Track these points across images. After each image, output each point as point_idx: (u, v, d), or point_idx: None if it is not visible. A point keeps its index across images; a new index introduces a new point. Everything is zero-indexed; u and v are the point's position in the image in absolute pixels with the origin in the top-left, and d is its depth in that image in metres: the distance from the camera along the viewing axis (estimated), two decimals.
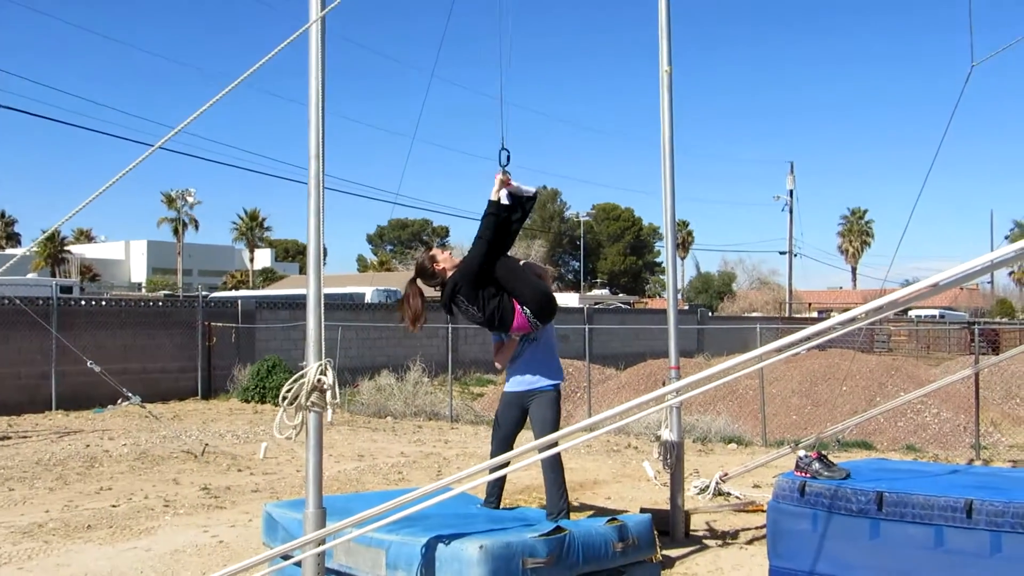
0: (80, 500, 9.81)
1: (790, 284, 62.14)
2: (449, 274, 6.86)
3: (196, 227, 75.79)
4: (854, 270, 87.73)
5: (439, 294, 7.03)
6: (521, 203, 6.85)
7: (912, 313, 54.22)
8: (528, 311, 6.69)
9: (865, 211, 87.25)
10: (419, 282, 7.00)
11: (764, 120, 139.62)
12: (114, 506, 9.50)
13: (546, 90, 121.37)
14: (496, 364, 7.30)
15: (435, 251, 7.18)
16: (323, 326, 4.95)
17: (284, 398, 4.93)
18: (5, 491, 10.25)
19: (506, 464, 6.01)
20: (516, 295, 6.72)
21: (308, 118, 4.97)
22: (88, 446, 13.71)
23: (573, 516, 7.17)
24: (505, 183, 6.66)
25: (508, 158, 6.72)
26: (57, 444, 13.97)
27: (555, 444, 6.17)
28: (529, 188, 6.85)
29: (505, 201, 6.67)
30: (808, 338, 4.25)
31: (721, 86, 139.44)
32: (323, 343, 4.95)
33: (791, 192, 59.29)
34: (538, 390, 6.96)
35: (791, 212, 59.37)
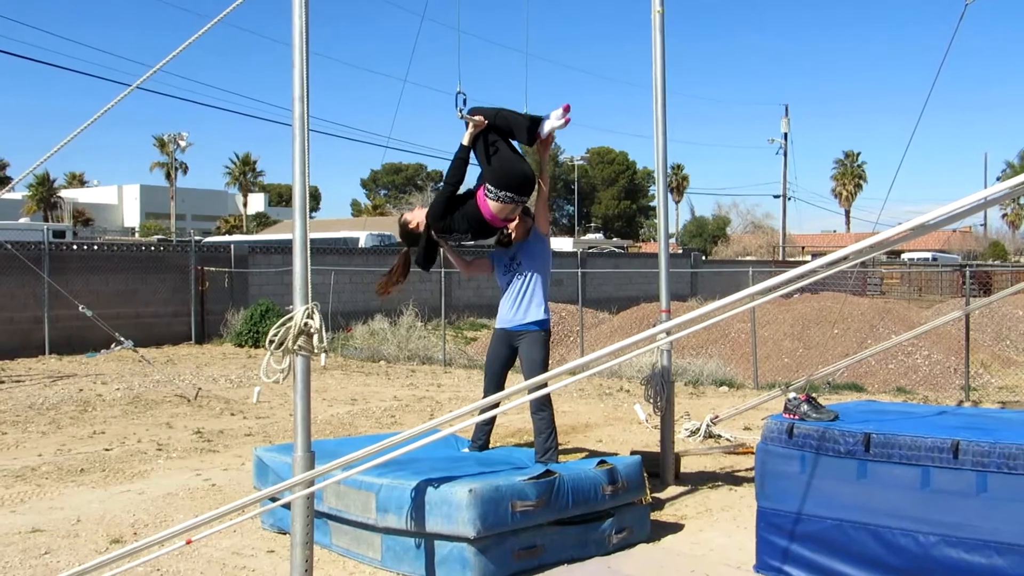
0: (73, 444, 9.84)
1: (784, 227, 62.12)
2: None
3: (185, 171, 75.31)
4: (848, 213, 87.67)
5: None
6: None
7: (904, 256, 54.30)
8: (491, 189, 6.55)
9: (859, 154, 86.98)
10: (411, 251, 7.04)
11: (759, 62, 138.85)
12: (107, 450, 9.53)
13: (539, 32, 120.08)
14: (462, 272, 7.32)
15: (404, 216, 7.15)
16: (310, 269, 4.91)
17: (271, 342, 4.91)
18: None
19: (495, 406, 6.00)
20: (480, 181, 6.68)
21: (292, 59, 4.88)
22: (81, 390, 13.73)
23: (563, 458, 7.21)
24: (478, 126, 6.58)
25: (465, 102, 6.61)
26: (50, 388, 13.99)
27: (544, 385, 6.17)
28: (555, 121, 6.76)
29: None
30: (797, 278, 4.22)
31: (715, 27, 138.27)
32: (310, 286, 4.91)
33: (785, 135, 58.87)
34: (525, 328, 6.96)
35: (785, 155, 59.02)
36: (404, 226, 7.08)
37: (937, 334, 15.60)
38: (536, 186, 6.80)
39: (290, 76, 4.93)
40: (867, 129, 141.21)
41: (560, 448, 7.39)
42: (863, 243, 4.11)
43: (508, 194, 6.55)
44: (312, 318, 4.86)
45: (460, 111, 6.61)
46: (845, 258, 4.30)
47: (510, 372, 7.30)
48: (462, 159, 6.63)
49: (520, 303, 6.99)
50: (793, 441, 5.40)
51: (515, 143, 6.81)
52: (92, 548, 6.29)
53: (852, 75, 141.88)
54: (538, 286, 7.00)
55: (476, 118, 6.61)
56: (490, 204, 6.59)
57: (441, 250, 7.18)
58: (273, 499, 5.69)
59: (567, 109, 6.67)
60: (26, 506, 7.37)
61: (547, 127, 6.69)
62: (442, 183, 6.80)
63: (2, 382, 14.74)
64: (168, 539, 4.69)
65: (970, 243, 69.71)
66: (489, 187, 6.57)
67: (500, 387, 7.16)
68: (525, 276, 6.99)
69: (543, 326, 6.99)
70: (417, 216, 6.97)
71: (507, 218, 6.76)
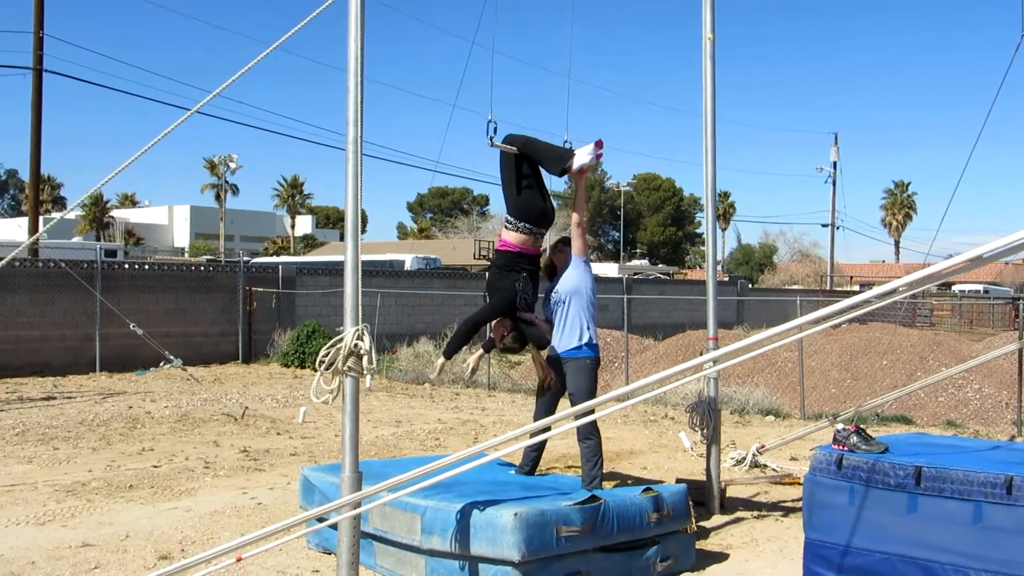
0: (122, 460, 9.97)
1: (832, 257, 61.55)
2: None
3: (236, 192, 76.19)
4: (897, 243, 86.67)
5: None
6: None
7: (955, 288, 53.55)
8: (511, 220, 6.81)
9: (908, 184, 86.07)
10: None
11: (808, 90, 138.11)
12: (155, 467, 9.65)
13: (588, 57, 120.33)
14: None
15: (502, 344, 7.12)
16: (360, 292, 4.96)
17: (321, 362, 4.96)
18: (50, 450, 10.44)
19: (545, 430, 6.01)
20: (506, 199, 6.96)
21: (347, 83, 4.96)
22: (131, 407, 13.92)
23: (608, 485, 7.19)
24: (509, 154, 6.79)
25: (496, 130, 6.73)
26: (101, 405, 14.19)
27: (591, 412, 6.16)
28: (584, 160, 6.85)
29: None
30: (847, 310, 4.19)
31: (764, 55, 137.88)
32: (360, 308, 4.96)
33: (834, 164, 58.50)
34: (569, 356, 6.95)
35: (834, 184, 58.65)
36: (507, 345, 7.06)
37: (988, 368, 15.34)
38: (553, 221, 7.01)
39: (344, 100, 5.01)
40: (917, 159, 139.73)
41: (605, 475, 7.37)
42: (918, 274, 4.08)
43: (527, 225, 6.79)
44: (362, 339, 4.91)
45: (491, 139, 6.73)
46: (898, 289, 4.27)
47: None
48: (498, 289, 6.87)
49: (563, 330, 6.96)
50: (842, 472, 5.35)
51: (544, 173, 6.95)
52: (140, 564, 6.36)
53: (903, 104, 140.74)
54: (578, 312, 6.92)
55: (509, 147, 6.73)
56: (508, 235, 6.79)
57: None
58: (321, 519, 5.73)
59: (599, 145, 6.71)
60: (76, 520, 7.47)
61: (576, 162, 6.74)
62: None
63: (54, 398, 14.98)
64: (216, 557, 4.74)
65: (1023, 275, 68.59)
66: (509, 218, 6.82)
67: (550, 412, 7.14)
68: (565, 303, 6.96)
69: (587, 353, 6.90)
70: (500, 330, 7.02)
71: (531, 248, 6.85)
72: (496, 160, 6.95)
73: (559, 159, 6.78)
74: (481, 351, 7.52)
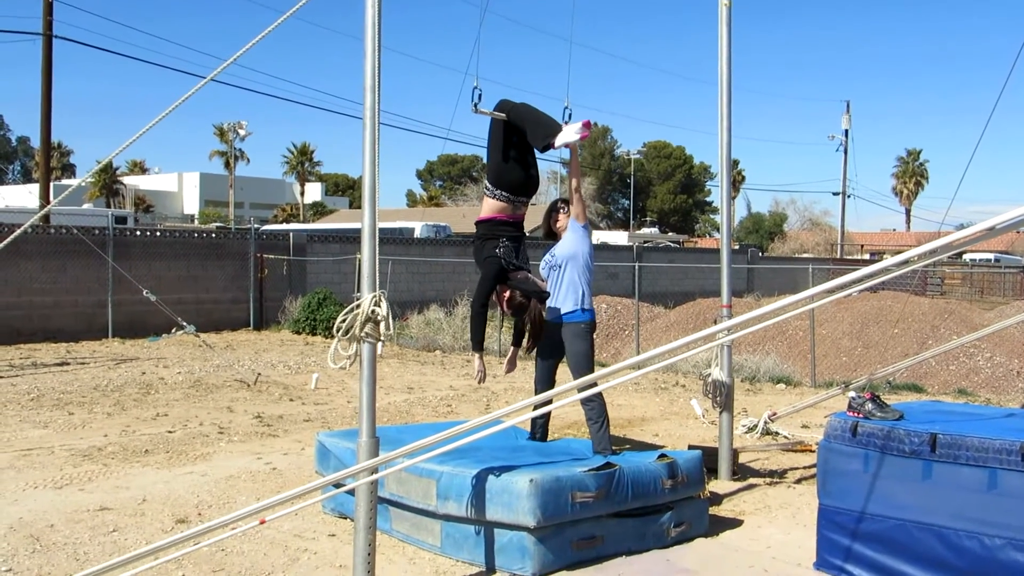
0: (137, 425, 10.04)
1: (843, 225, 61.31)
2: None
3: (246, 160, 76.12)
4: (908, 212, 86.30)
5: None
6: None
7: (966, 257, 53.35)
8: (488, 187, 6.77)
9: (920, 152, 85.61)
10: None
11: (820, 58, 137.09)
12: (170, 432, 9.71)
13: (599, 25, 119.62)
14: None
15: (510, 299, 6.84)
16: (377, 258, 4.96)
17: (339, 328, 4.97)
18: (65, 415, 10.51)
19: (549, 401, 6.04)
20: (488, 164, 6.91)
21: (364, 49, 4.92)
22: (144, 373, 13.99)
23: (616, 450, 7.22)
24: (499, 120, 6.70)
25: (480, 96, 6.57)
26: (114, 371, 14.27)
27: (594, 382, 6.17)
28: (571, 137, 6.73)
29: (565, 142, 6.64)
30: (861, 279, 4.18)
31: (776, 22, 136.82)
32: (377, 275, 4.97)
33: (846, 132, 58.23)
34: (568, 320, 7.00)
35: (845, 152, 58.41)
36: (515, 304, 6.82)
37: (1000, 336, 15.33)
38: (536, 189, 6.89)
39: (354, 65, 4.98)
40: (930, 127, 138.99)
41: (617, 441, 7.40)
42: (935, 243, 4.06)
43: (503, 193, 6.71)
44: (379, 305, 4.91)
45: (475, 105, 6.57)
46: (913, 259, 4.25)
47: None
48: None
49: (558, 295, 7.02)
50: (857, 439, 5.37)
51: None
52: (158, 527, 6.43)
53: (916, 71, 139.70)
54: (573, 277, 6.98)
55: (496, 113, 6.65)
56: (487, 204, 6.75)
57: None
58: (337, 484, 5.77)
59: (586, 126, 6.53)
60: (93, 484, 7.53)
61: (559, 140, 6.57)
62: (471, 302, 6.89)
63: (68, 364, 15.06)
64: (235, 521, 4.78)
65: None
66: (488, 185, 6.77)
67: (551, 378, 7.20)
68: (561, 267, 7.00)
69: (582, 317, 6.97)
70: (501, 297, 6.85)
71: (511, 215, 6.76)
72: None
73: (544, 134, 6.60)
74: (512, 348, 7.22)
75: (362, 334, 4.92)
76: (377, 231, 4.96)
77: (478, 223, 6.84)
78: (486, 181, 6.85)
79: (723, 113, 8.15)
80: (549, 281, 7.07)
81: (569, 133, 6.56)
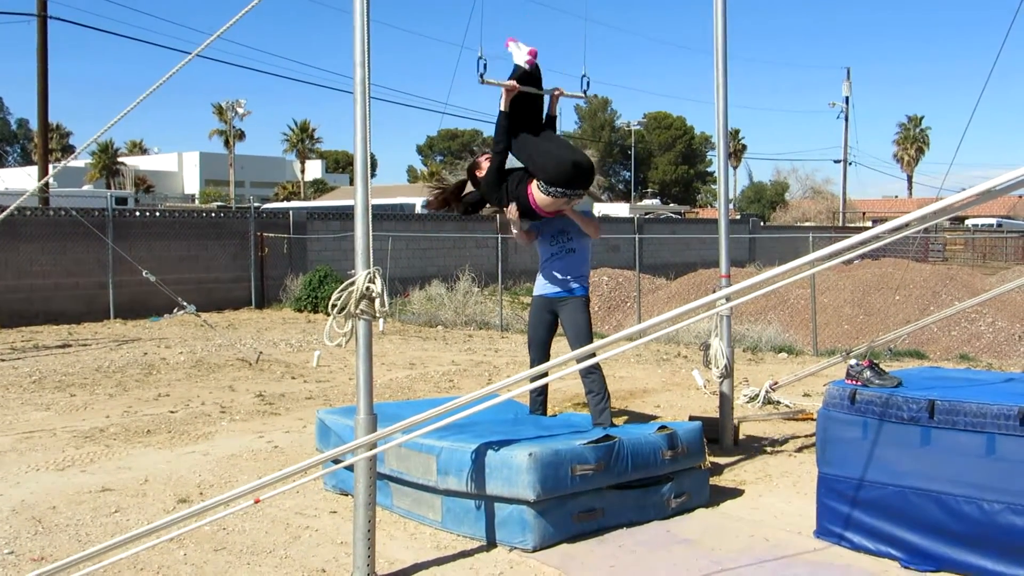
0: (139, 406, 10.05)
1: (844, 193, 61.16)
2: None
3: (243, 138, 75.92)
4: (910, 178, 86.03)
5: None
6: (528, 78, 6.72)
7: (968, 222, 53.26)
8: (541, 183, 6.56)
9: (922, 118, 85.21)
10: (468, 185, 7.10)
11: (820, 24, 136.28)
12: (172, 412, 9.73)
13: None
14: (516, 236, 7.20)
15: (478, 159, 7.11)
16: (371, 235, 4.94)
17: (334, 306, 4.96)
18: (67, 397, 10.53)
19: (546, 374, 6.05)
20: (529, 169, 6.67)
21: (353, 24, 4.89)
22: (146, 354, 14.01)
23: (619, 422, 7.24)
24: (510, 90, 6.56)
25: (486, 66, 6.45)
26: (116, 352, 14.28)
27: (593, 353, 6.19)
28: (520, 59, 6.69)
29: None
30: (858, 245, 4.16)
31: None
32: (371, 252, 4.95)
33: (847, 99, 57.94)
34: (569, 295, 7.04)
35: (847, 119, 58.16)
36: (472, 168, 7.06)
37: (1001, 301, 15.32)
38: (593, 176, 6.71)
39: (351, 41, 4.94)
40: (931, 93, 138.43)
41: (618, 413, 7.42)
42: (928, 208, 4.04)
43: (559, 189, 6.55)
44: (374, 282, 4.90)
45: (481, 76, 6.45)
46: (908, 224, 4.23)
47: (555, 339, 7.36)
48: (504, 127, 6.63)
49: (569, 271, 7.06)
50: (856, 407, 5.36)
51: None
52: (160, 507, 6.45)
53: (917, 37, 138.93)
54: (586, 254, 7.14)
55: (507, 83, 6.56)
56: (537, 197, 6.63)
57: (503, 216, 7.17)
58: (336, 461, 5.78)
59: (532, 54, 6.65)
60: (96, 466, 7.55)
61: (514, 58, 6.67)
62: (491, 151, 6.80)
63: (70, 345, 15.08)
64: (234, 499, 4.78)
65: None
66: (540, 183, 6.59)
67: (546, 354, 7.22)
68: (576, 244, 7.04)
69: (582, 292, 7.11)
70: (486, 165, 6.94)
71: (556, 211, 6.77)
72: (495, 99, 6.77)
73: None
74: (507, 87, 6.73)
75: (357, 311, 4.91)
76: (370, 207, 4.93)
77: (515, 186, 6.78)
78: (539, 180, 6.59)
79: (719, 81, 8.11)
80: (550, 255, 7.08)
81: (519, 54, 6.65)
